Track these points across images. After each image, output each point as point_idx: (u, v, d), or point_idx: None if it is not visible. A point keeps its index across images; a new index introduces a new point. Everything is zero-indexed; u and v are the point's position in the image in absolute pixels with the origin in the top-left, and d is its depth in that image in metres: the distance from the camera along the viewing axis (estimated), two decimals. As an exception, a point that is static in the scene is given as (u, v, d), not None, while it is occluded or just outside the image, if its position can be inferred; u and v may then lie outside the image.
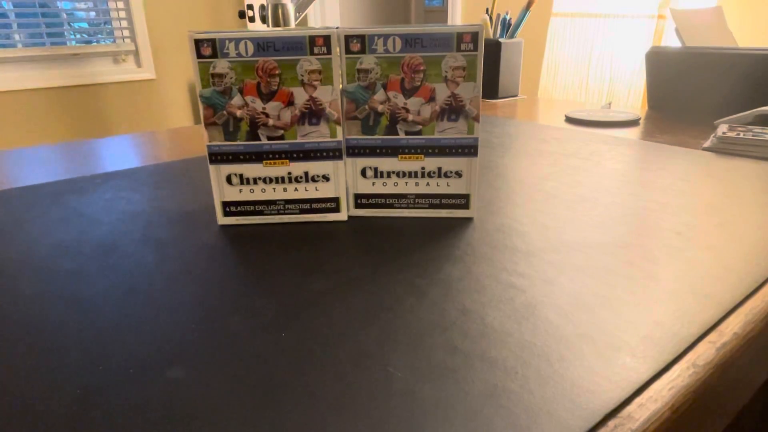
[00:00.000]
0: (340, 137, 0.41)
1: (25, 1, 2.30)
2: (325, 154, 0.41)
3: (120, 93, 2.60)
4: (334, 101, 0.40)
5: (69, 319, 0.29)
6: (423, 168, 0.42)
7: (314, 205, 0.43)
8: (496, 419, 0.21)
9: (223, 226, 0.42)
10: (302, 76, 0.39)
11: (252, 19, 2.29)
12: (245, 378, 0.24)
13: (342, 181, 0.42)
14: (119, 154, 0.69)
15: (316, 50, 0.38)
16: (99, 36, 2.54)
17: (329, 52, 0.38)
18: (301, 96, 0.39)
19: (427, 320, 0.28)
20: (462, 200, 0.43)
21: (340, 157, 0.41)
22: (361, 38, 0.39)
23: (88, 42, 2.53)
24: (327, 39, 0.38)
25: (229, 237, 0.40)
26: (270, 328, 0.28)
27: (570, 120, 0.87)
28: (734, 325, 0.28)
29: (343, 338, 0.27)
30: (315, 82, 0.39)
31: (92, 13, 2.52)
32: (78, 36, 2.51)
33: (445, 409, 0.22)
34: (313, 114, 0.40)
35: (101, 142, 0.76)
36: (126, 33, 2.57)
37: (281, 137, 0.40)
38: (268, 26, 1.05)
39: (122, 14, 2.54)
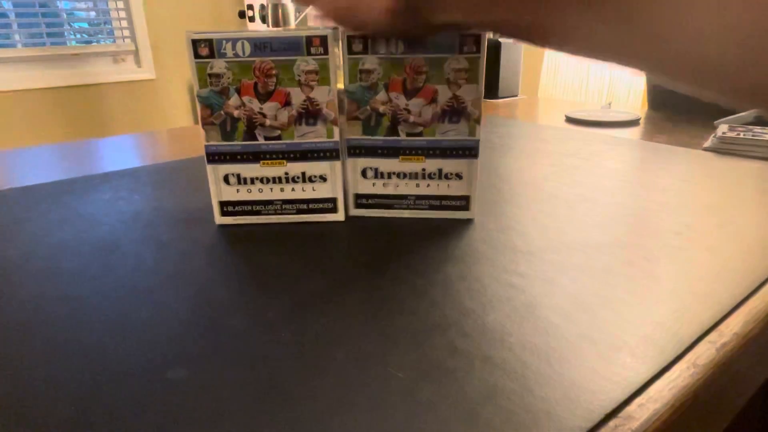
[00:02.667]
0: (337, 138, 0.41)
1: (25, 1, 2.30)
2: (322, 154, 0.41)
3: (120, 93, 2.60)
4: (330, 102, 0.40)
5: (69, 319, 0.29)
6: (424, 169, 0.42)
7: (311, 206, 0.43)
8: (496, 419, 0.21)
9: (223, 226, 0.42)
10: (299, 76, 0.39)
11: (252, 19, 2.29)
12: (245, 378, 0.24)
13: (339, 181, 0.42)
14: (119, 154, 0.69)
15: (312, 50, 0.38)
16: (99, 36, 2.54)
17: (326, 52, 0.38)
18: (298, 96, 0.39)
19: (427, 320, 0.28)
20: (462, 202, 0.43)
21: (337, 158, 0.41)
22: (364, 38, 0.39)
23: (88, 42, 2.53)
24: (324, 39, 0.38)
25: (230, 237, 0.40)
26: (270, 328, 0.28)
27: (570, 120, 0.87)
28: (734, 325, 0.28)
29: (343, 338, 0.27)
30: (312, 83, 0.39)
31: (92, 13, 2.52)
32: (78, 36, 2.51)
33: (445, 409, 0.22)
34: (310, 114, 0.40)
35: (101, 142, 0.76)
36: (126, 33, 2.57)
37: (278, 137, 0.40)
38: (268, 26, 1.05)
39: (122, 14, 2.54)
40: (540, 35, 0.26)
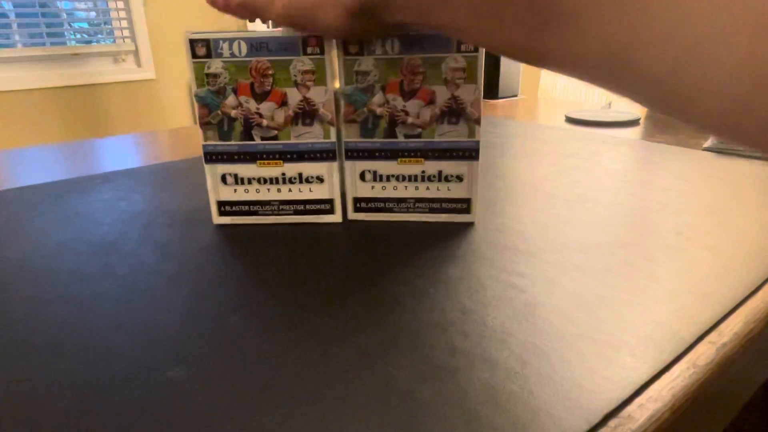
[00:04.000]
0: (333, 138, 0.41)
1: (25, 1, 2.30)
2: (318, 155, 0.41)
3: (120, 93, 2.60)
4: (327, 102, 0.40)
5: (68, 320, 0.29)
6: (423, 172, 0.42)
7: (308, 207, 0.42)
8: (496, 419, 0.21)
9: (222, 226, 0.42)
10: (295, 76, 0.39)
11: (252, 19, 2.29)
12: (245, 378, 0.24)
13: (336, 182, 0.42)
14: (119, 154, 0.69)
15: (309, 51, 0.38)
16: (99, 36, 2.54)
17: (322, 52, 0.38)
18: (294, 96, 0.39)
19: (427, 320, 0.28)
20: (463, 205, 0.43)
21: (334, 159, 0.41)
22: (319, 40, 0.38)
23: (88, 42, 2.53)
24: (320, 39, 0.38)
25: (229, 237, 0.40)
26: (270, 328, 0.28)
27: (570, 120, 0.87)
28: (734, 325, 0.28)
29: (343, 338, 0.27)
30: (308, 83, 0.39)
31: (92, 13, 2.52)
32: (78, 36, 2.51)
33: (445, 409, 0.22)
34: (307, 115, 0.40)
35: (101, 142, 0.76)
36: (126, 33, 2.57)
37: (275, 138, 0.40)
38: (267, 26, 1.04)
39: (122, 14, 2.54)
40: (484, 44, 0.26)
